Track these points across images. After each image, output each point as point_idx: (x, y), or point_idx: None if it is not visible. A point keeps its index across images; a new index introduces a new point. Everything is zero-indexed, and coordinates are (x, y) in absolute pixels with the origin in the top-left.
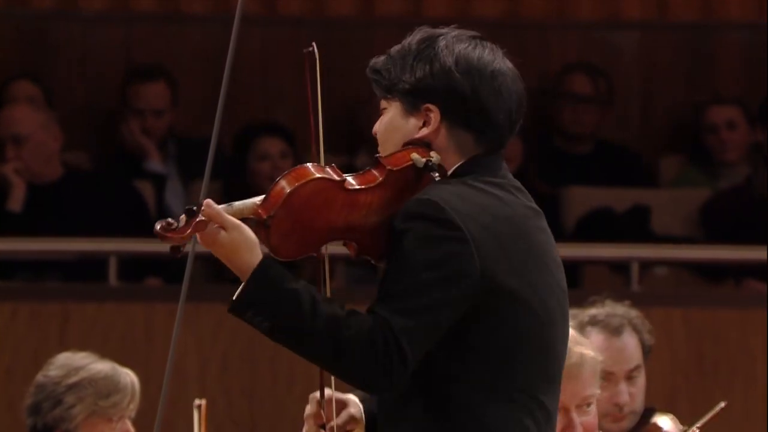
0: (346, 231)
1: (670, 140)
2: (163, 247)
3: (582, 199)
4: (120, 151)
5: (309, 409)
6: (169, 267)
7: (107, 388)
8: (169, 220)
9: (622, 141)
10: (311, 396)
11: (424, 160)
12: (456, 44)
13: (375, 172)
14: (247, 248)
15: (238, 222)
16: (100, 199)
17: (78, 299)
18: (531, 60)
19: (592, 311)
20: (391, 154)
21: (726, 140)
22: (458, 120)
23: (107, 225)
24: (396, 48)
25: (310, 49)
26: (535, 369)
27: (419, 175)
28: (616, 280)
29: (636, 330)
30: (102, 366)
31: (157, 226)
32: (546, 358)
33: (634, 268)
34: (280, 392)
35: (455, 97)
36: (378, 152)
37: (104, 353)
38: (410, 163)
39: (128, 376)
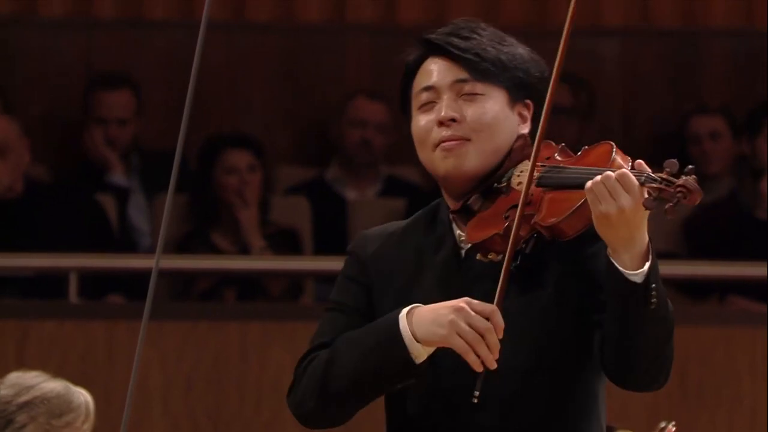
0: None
1: (652, 152)
2: (125, 263)
3: None
4: (81, 163)
5: None
6: (131, 283)
7: (60, 407)
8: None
9: None
10: None
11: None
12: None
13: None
14: None
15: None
16: (60, 213)
17: (37, 317)
18: None
19: None
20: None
21: (709, 151)
22: (533, 120)
23: (67, 240)
24: (480, 31)
25: None
26: None
27: None
28: None
29: None
30: (54, 384)
31: (654, 178)
32: None
33: None
34: (248, 415)
35: (541, 95)
36: (467, 137)
37: (64, 372)
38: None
39: (82, 395)
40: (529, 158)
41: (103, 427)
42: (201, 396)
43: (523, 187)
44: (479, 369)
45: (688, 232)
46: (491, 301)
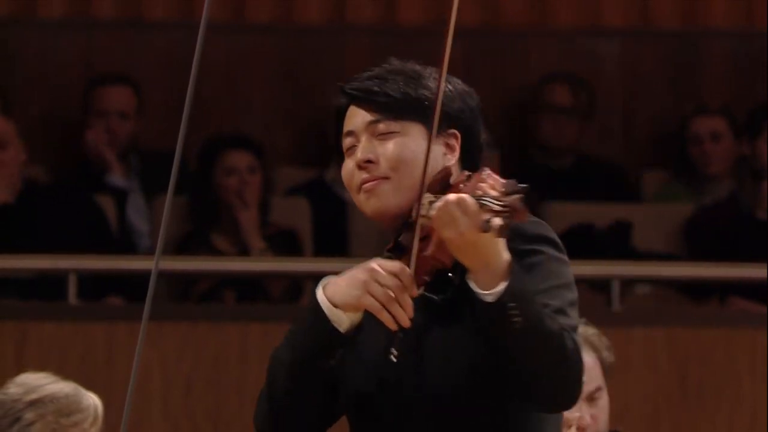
0: None
1: (653, 153)
2: (124, 265)
3: (561, 215)
4: (81, 164)
5: None
6: (130, 285)
7: (69, 407)
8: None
9: (603, 154)
10: None
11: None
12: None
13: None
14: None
15: None
16: (59, 214)
17: (36, 318)
18: (509, 70)
19: None
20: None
21: (710, 152)
22: (469, 151)
23: (66, 241)
24: (391, 69)
25: None
26: None
27: None
28: (596, 298)
29: (594, 348)
30: (64, 385)
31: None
32: None
33: (616, 287)
34: (247, 416)
35: (474, 126)
36: (385, 176)
37: (63, 374)
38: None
39: (91, 398)
40: (453, 188)
41: (103, 428)
42: (201, 397)
43: (414, 219)
44: (393, 327)
45: (688, 234)
46: (418, 335)
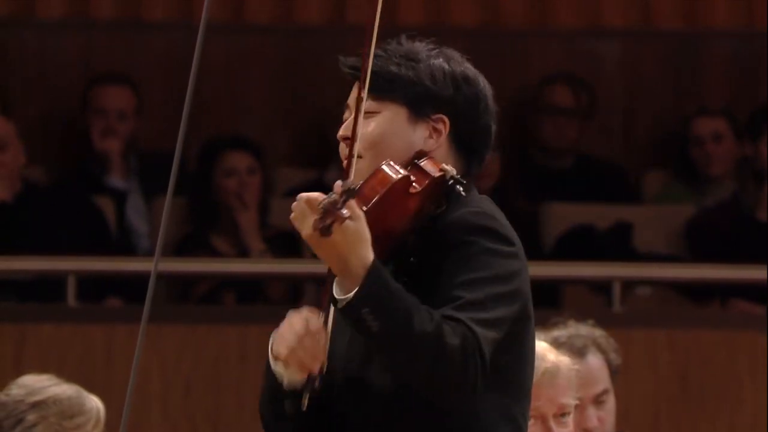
0: (388, 235)
1: (654, 154)
2: (124, 266)
3: (562, 216)
4: (80, 165)
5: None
6: (130, 287)
7: (72, 409)
8: (333, 200)
9: (604, 155)
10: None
11: (454, 171)
12: (461, 58)
13: (415, 177)
14: (366, 242)
15: (362, 213)
16: (58, 215)
17: (35, 320)
18: (510, 70)
19: (555, 333)
20: (425, 161)
21: (712, 153)
22: (462, 137)
23: (65, 243)
24: (390, 48)
25: None
26: (529, 391)
27: (437, 187)
28: (597, 300)
29: (601, 350)
30: (67, 388)
31: (324, 201)
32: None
33: (616, 288)
34: (246, 418)
35: (469, 112)
36: (359, 155)
37: (62, 376)
38: (442, 174)
39: (94, 401)
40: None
41: (104, 430)
42: (200, 399)
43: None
44: (303, 374)
45: (690, 235)
46: (350, 344)
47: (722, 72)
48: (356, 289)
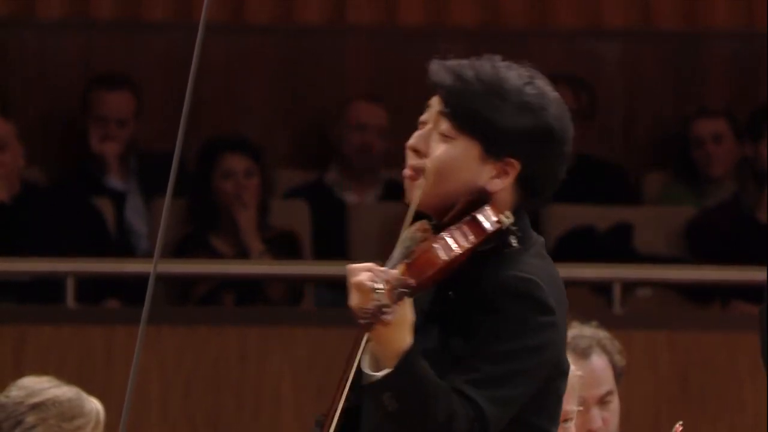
0: (434, 283)
1: (654, 155)
2: (123, 267)
3: (562, 217)
4: (79, 166)
5: None
6: (129, 288)
7: (72, 411)
8: (383, 304)
9: (604, 156)
10: None
11: (511, 221)
12: (552, 93)
13: (471, 231)
14: (408, 327)
15: (408, 307)
16: (57, 216)
17: (34, 322)
18: None
19: None
20: (486, 210)
21: (712, 154)
22: (530, 182)
23: (64, 244)
24: (481, 72)
25: None
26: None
27: (491, 235)
28: (597, 301)
29: (606, 351)
30: (66, 389)
31: (374, 303)
32: None
33: (617, 289)
34: (245, 420)
35: (543, 162)
36: (420, 170)
37: (61, 378)
38: (498, 227)
39: (94, 403)
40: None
41: None
42: (199, 401)
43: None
44: None
45: (690, 236)
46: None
47: (722, 72)
48: (385, 373)
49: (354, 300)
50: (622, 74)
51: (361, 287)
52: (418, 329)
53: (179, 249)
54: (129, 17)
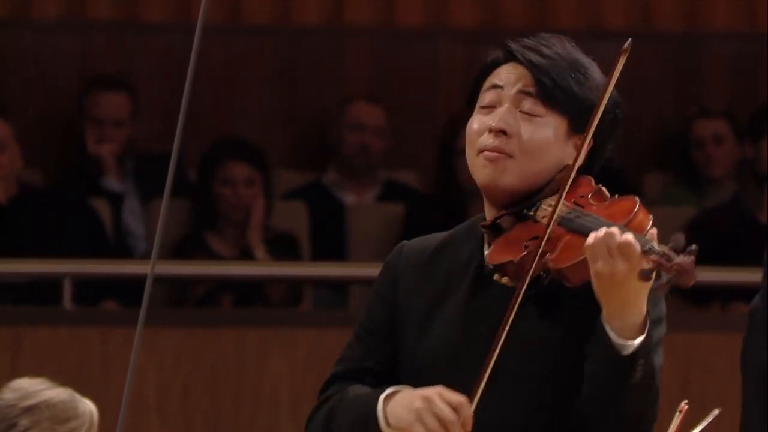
0: None
1: (654, 155)
2: (120, 269)
3: None
4: (76, 167)
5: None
6: (126, 289)
7: (65, 413)
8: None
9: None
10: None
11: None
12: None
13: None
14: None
15: None
16: (54, 217)
17: (30, 323)
18: None
19: None
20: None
21: (712, 155)
22: (593, 159)
23: (61, 245)
24: (557, 51)
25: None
26: None
27: None
28: None
29: None
30: (60, 391)
31: (657, 252)
32: None
33: None
34: (244, 422)
35: (609, 138)
36: (511, 153)
37: (58, 380)
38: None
39: (87, 405)
40: (575, 194)
41: None
42: (197, 404)
43: (547, 221)
44: None
45: (690, 237)
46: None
47: (723, 73)
48: (642, 338)
49: (619, 266)
50: (622, 75)
51: (627, 249)
52: (529, 316)
53: (178, 250)
54: (126, 18)
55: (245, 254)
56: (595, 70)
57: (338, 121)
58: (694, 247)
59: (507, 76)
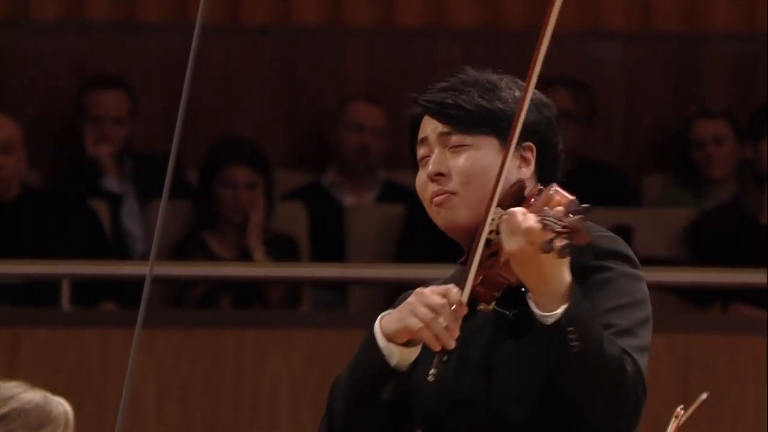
0: None
1: (654, 157)
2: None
3: None
4: (74, 168)
5: None
6: (125, 290)
7: (38, 418)
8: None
9: (604, 158)
10: None
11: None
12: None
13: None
14: (568, 261)
15: None
16: (52, 218)
17: (29, 324)
18: (509, 72)
19: None
20: (554, 188)
21: (712, 156)
22: (543, 164)
23: (60, 246)
24: (465, 80)
25: None
26: None
27: None
28: None
29: None
30: (32, 395)
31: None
32: None
33: None
34: (243, 423)
35: (550, 138)
36: (453, 191)
37: (56, 381)
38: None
39: (61, 406)
40: (525, 201)
41: None
42: (196, 405)
43: (480, 235)
44: (436, 347)
45: (690, 238)
46: (490, 351)
47: (723, 74)
48: (564, 306)
49: (522, 242)
50: (622, 76)
51: (512, 222)
52: (507, 339)
53: (177, 251)
54: (124, 18)
55: (244, 255)
56: (507, 83)
57: (338, 122)
58: (585, 206)
59: (427, 128)
